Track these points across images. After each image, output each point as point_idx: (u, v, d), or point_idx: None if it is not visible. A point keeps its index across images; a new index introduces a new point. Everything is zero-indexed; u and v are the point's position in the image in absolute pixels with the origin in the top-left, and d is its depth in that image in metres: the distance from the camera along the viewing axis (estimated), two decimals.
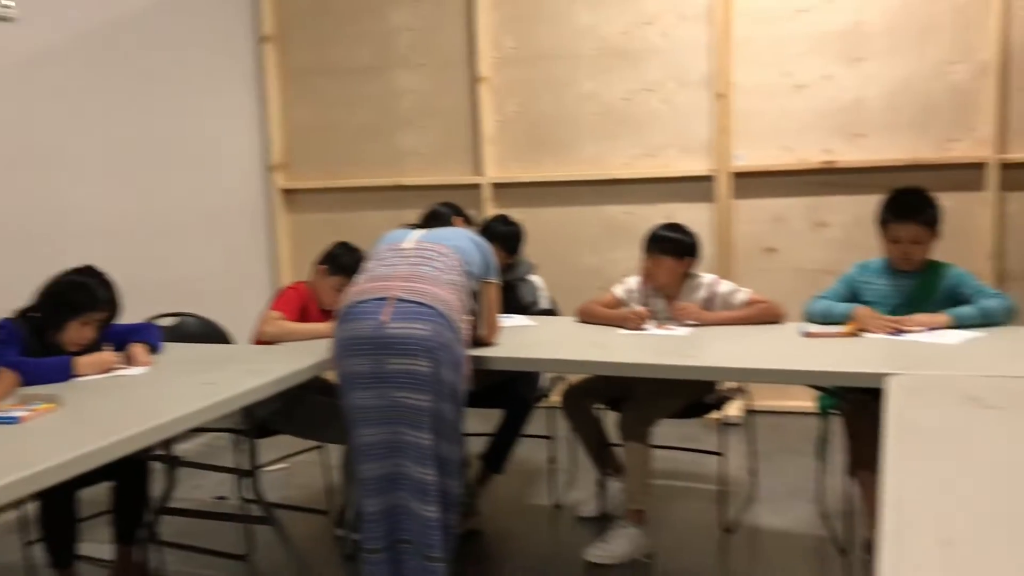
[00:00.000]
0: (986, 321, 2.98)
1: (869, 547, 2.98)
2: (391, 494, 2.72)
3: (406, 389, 2.66)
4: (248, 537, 3.37)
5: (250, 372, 2.70)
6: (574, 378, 3.68)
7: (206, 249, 5.09)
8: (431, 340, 2.66)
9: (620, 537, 3.20)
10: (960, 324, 2.97)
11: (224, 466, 3.30)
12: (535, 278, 3.85)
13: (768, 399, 4.73)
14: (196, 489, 3.97)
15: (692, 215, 4.87)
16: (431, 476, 2.68)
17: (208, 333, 3.60)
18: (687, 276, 3.42)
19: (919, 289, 3.13)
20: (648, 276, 3.42)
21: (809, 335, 3.03)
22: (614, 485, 3.56)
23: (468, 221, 3.45)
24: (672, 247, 3.38)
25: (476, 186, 5.23)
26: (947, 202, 3.24)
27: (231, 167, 5.37)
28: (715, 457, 3.56)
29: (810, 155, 4.75)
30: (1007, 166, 4.43)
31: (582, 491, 3.81)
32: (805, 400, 3.97)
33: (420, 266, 2.81)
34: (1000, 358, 2.65)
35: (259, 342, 3.23)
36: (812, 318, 3.21)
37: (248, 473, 3.04)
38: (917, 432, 1.97)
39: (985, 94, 4.45)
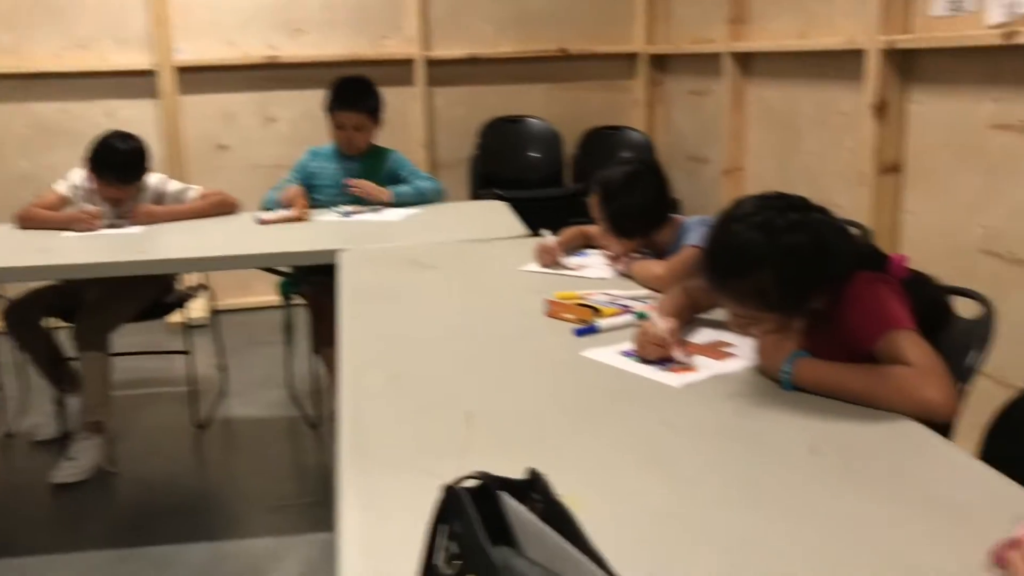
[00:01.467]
0: (420, 199, 3.33)
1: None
2: None
3: None
4: None
5: None
6: (16, 292, 3.32)
7: None
8: None
9: (84, 451, 3.02)
10: (399, 199, 3.27)
11: None
12: None
13: (232, 297, 4.75)
14: None
15: (136, 112, 4.61)
16: None
17: None
18: None
19: (365, 171, 3.37)
20: (115, 202, 3.19)
21: (264, 222, 3.10)
22: (73, 401, 3.33)
23: None
24: (135, 174, 3.16)
25: None
26: (384, 96, 3.49)
27: None
28: (183, 359, 3.51)
29: (253, 50, 4.74)
30: (432, 63, 4.88)
31: (37, 415, 3.50)
32: (269, 295, 4.07)
33: None
34: (433, 229, 3.00)
35: None
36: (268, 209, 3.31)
37: None
38: (368, 293, 2.17)
39: None
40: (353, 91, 3.36)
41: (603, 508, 1.12)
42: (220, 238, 2.99)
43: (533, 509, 0.74)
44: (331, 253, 2.58)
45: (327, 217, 3.17)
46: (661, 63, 5.00)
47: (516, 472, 1.04)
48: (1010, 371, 2.33)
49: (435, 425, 1.39)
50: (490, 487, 0.75)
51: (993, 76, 2.54)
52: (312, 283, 3.20)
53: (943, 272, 1.73)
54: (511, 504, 0.74)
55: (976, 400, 1.55)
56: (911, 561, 1.00)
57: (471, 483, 0.76)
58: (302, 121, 4.73)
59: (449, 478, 0.80)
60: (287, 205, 3.18)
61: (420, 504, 0.84)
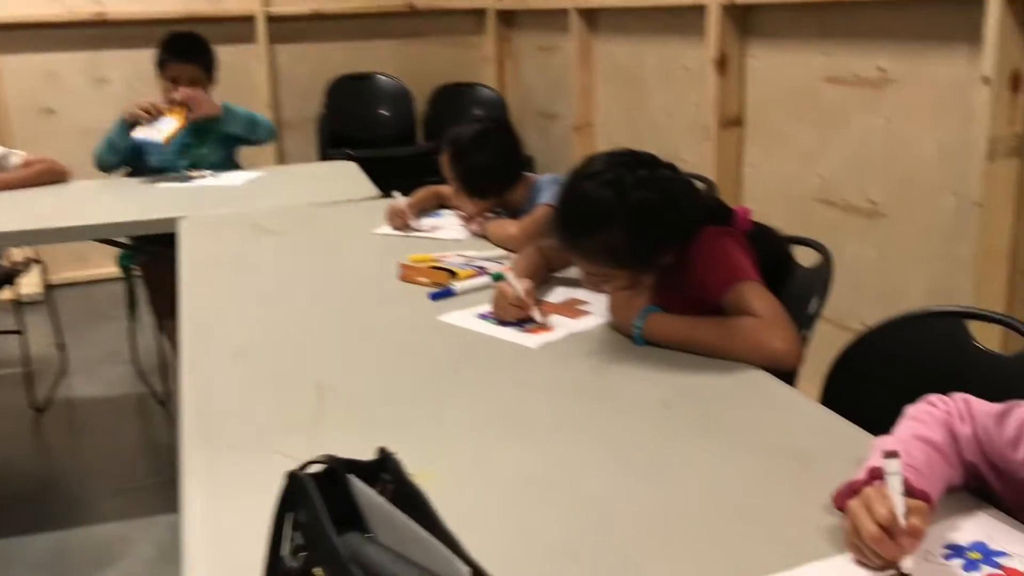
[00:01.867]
0: (251, 127, 3.20)
1: None
2: None
3: None
4: None
5: None
6: None
7: None
8: None
9: None
10: (229, 114, 3.12)
11: None
12: None
13: (68, 270, 4.48)
14: None
15: None
16: None
17: None
18: None
19: (198, 131, 3.16)
20: None
21: (165, 141, 2.96)
22: None
23: None
24: None
25: None
26: (224, 55, 3.33)
27: None
28: (15, 338, 3.28)
29: (79, 6, 4.43)
30: (273, 19, 4.68)
31: None
32: (109, 267, 3.85)
33: None
34: (278, 192, 2.90)
35: None
36: (103, 164, 3.15)
37: None
38: (209, 262, 2.06)
39: None
40: (186, 43, 3.19)
41: (462, 477, 1.10)
42: (48, 209, 2.78)
43: (383, 491, 0.71)
44: (170, 221, 2.44)
45: (163, 183, 3.00)
46: (509, 19, 4.96)
47: (372, 446, 1.00)
48: (847, 315, 2.45)
49: (284, 401, 1.33)
50: (337, 471, 0.71)
51: (825, 31, 2.63)
52: (148, 253, 3.04)
53: (783, 222, 1.79)
54: (360, 487, 0.71)
55: (817, 344, 1.61)
56: (759, 508, 1.03)
57: (317, 467, 0.72)
58: (137, 82, 4.45)
59: (300, 456, 0.76)
60: (139, 119, 3.00)
61: (270, 485, 0.79)
